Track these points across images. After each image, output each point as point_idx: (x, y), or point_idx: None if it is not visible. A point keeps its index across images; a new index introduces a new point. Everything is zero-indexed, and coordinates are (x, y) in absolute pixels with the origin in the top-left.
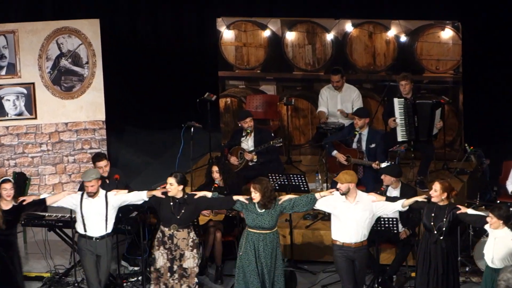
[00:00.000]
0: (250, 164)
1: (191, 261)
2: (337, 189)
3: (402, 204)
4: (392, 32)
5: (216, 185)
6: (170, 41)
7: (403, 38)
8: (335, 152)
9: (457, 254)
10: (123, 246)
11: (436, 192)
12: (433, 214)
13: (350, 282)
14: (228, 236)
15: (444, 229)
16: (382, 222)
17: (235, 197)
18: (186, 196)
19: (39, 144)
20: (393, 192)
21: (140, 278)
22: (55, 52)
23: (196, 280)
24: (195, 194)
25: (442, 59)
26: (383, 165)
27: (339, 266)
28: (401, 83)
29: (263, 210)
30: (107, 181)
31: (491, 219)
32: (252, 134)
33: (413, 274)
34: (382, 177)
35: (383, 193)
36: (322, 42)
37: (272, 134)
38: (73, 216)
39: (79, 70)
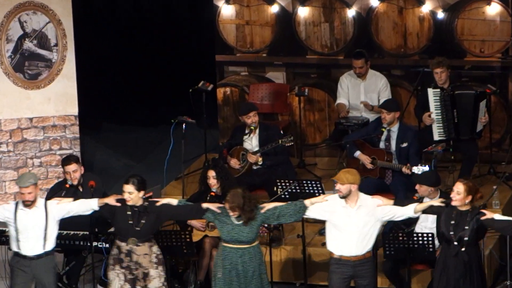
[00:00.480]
0: (255, 168)
1: (157, 281)
2: (336, 191)
3: (414, 210)
4: (427, 7)
5: (213, 193)
6: (156, 19)
7: (440, 15)
8: (358, 153)
9: (483, 269)
10: (99, 268)
11: (460, 195)
12: (453, 222)
13: None
14: None
15: (466, 238)
16: (415, 239)
17: (204, 205)
18: (146, 203)
19: None
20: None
21: None
22: (17, 32)
23: None
24: (157, 201)
25: (488, 40)
26: (416, 169)
27: (330, 283)
28: (435, 71)
29: (242, 220)
30: (80, 189)
31: None
32: (257, 131)
33: None
34: (417, 187)
35: (417, 202)
36: (342, 20)
37: (281, 132)
38: None
39: (46, 54)
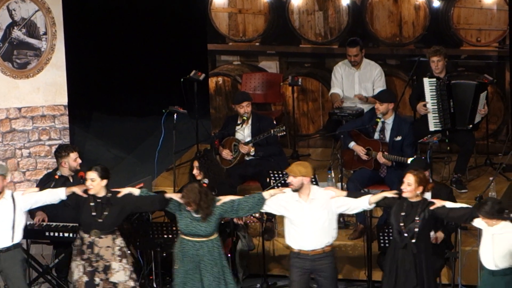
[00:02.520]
0: (247, 158)
1: (121, 274)
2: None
3: (368, 201)
4: None
5: (205, 184)
6: (147, 7)
7: (436, 3)
8: (352, 144)
9: (433, 261)
10: None
11: (410, 186)
12: (403, 213)
13: None
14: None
15: (416, 230)
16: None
17: (167, 195)
18: (109, 194)
19: None
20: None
21: None
22: (6, 21)
23: None
24: (119, 192)
25: (485, 29)
26: (410, 160)
27: (291, 277)
28: (432, 60)
29: (200, 214)
30: (71, 180)
31: (483, 219)
32: (250, 121)
33: None
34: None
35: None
36: (336, 8)
37: (274, 122)
38: (28, 223)
39: (35, 42)
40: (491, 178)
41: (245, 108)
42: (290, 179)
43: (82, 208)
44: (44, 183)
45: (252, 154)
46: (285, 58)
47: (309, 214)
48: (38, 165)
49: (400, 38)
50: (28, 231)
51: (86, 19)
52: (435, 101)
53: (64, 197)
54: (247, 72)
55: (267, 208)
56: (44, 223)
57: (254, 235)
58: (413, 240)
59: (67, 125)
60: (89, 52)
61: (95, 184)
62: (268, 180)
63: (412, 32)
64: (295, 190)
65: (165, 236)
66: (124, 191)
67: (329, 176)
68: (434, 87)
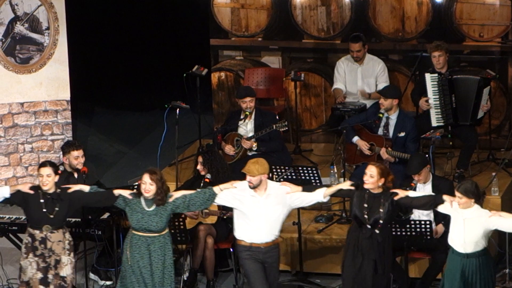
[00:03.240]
0: (249, 154)
1: (69, 267)
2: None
3: (323, 194)
4: None
5: (207, 179)
6: (150, 2)
7: None
8: (356, 139)
9: (392, 249)
10: (92, 256)
11: (373, 178)
12: (366, 205)
13: (263, 286)
14: (222, 242)
15: (381, 221)
16: (413, 226)
17: (116, 191)
18: (59, 190)
19: None
20: (423, 187)
21: None
22: (8, 16)
23: None
24: (69, 188)
25: (487, 24)
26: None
27: (247, 269)
28: (433, 55)
29: (152, 208)
30: (75, 175)
31: (461, 199)
32: (253, 116)
33: None
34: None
35: (413, 190)
36: (339, 3)
37: (277, 118)
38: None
39: (38, 37)
40: (493, 174)
41: (247, 103)
42: (249, 179)
43: (29, 205)
44: None
45: (255, 149)
46: (288, 53)
47: (264, 208)
48: (41, 160)
49: (403, 33)
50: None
51: (88, 14)
52: (437, 96)
53: (7, 195)
54: (249, 67)
55: (220, 200)
56: None
57: None
58: (377, 231)
59: (70, 120)
60: (92, 47)
61: (51, 179)
62: (271, 175)
63: (414, 27)
64: (254, 187)
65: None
66: (74, 187)
67: (332, 171)
68: (436, 83)
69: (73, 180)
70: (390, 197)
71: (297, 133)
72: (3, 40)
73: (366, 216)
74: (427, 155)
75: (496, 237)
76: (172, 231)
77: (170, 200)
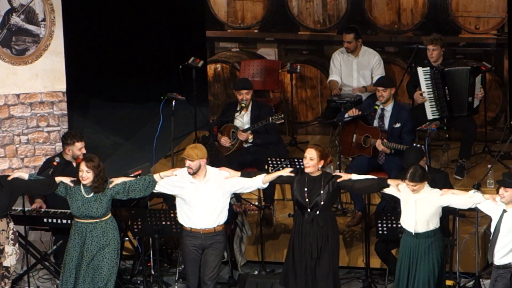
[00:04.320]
0: (245, 145)
1: (13, 258)
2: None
3: (262, 180)
4: None
5: None
6: None
7: None
8: (347, 115)
9: (338, 232)
10: None
11: (313, 161)
12: (306, 189)
13: (194, 276)
14: None
15: (322, 203)
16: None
17: (58, 179)
18: None
19: None
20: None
21: None
22: (4, 7)
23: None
24: (8, 176)
25: (483, 17)
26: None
27: (183, 256)
28: (428, 48)
29: (91, 195)
30: (74, 165)
31: (415, 186)
32: (249, 109)
33: (446, 282)
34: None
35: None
36: None
37: (274, 111)
38: (26, 209)
39: (34, 29)
40: (489, 166)
41: (244, 96)
42: (188, 163)
43: None
44: (43, 170)
45: (250, 141)
46: (284, 45)
47: (204, 194)
48: (37, 151)
49: (399, 26)
50: (26, 218)
51: (84, 6)
52: (431, 89)
53: None
54: (245, 59)
55: (160, 188)
56: (42, 210)
57: (252, 223)
58: (318, 212)
59: (66, 112)
60: (88, 38)
61: None
62: (266, 167)
63: (410, 20)
64: (194, 173)
65: (163, 223)
66: (13, 175)
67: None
68: (428, 76)
69: (70, 170)
70: (331, 179)
71: (293, 125)
72: None
73: (307, 200)
74: (422, 147)
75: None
76: (168, 223)
77: (110, 186)
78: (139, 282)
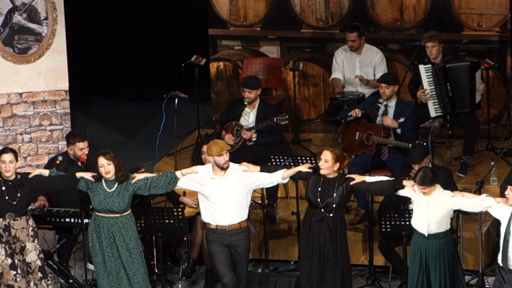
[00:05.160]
0: (248, 144)
1: (33, 254)
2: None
3: (282, 176)
4: None
5: None
6: None
7: None
8: (350, 114)
9: (346, 235)
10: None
11: (327, 163)
12: (319, 189)
13: (228, 271)
14: None
15: (334, 205)
16: (411, 216)
17: (78, 174)
18: (19, 176)
19: None
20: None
21: None
22: (6, 6)
23: (40, 275)
24: (29, 173)
25: (486, 14)
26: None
27: (212, 252)
28: (427, 45)
29: (113, 189)
30: (79, 164)
31: (424, 189)
32: (256, 107)
33: None
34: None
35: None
36: None
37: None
38: (29, 208)
39: (36, 27)
40: (492, 163)
41: (246, 94)
42: (225, 157)
43: None
44: (47, 169)
45: (254, 140)
46: (286, 43)
47: (225, 190)
48: (39, 150)
49: (401, 23)
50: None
51: (86, 4)
52: (433, 87)
53: None
54: (248, 57)
55: (182, 185)
56: (45, 208)
57: (255, 221)
58: (331, 215)
59: (68, 110)
60: (90, 37)
61: (13, 165)
62: (269, 165)
63: (413, 17)
64: (227, 167)
65: (167, 221)
66: (34, 172)
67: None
68: (430, 73)
69: (73, 169)
70: (345, 182)
71: (296, 123)
72: (1, 31)
73: (319, 200)
74: (425, 144)
75: (495, 227)
76: (171, 221)
77: (133, 181)
78: None
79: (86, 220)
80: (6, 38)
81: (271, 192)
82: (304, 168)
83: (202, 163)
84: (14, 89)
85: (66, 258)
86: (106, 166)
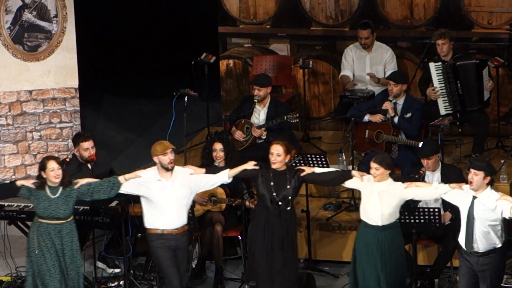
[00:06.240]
0: (258, 141)
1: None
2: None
3: (228, 175)
4: None
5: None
6: None
7: None
8: (368, 117)
9: (297, 225)
10: (100, 244)
11: (280, 157)
12: (272, 183)
13: (175, 277)
14: (231, 230)
15: (290, 197)
16: (422, 214)
17: (19, 182)
18: None
19: None
20: (432, 175)
21: (122, 282)
22: (16, 3)
23: None
24: None
25: (496, 11)
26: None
27: (160, 259)
28: (437, 43)
29: (57, 195)
30: (89, 166)
31: (377, 171)
32: (267, 105)
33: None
34: (422, 160)
35: (421, 177)
36: None
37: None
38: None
39: (46, 25)
40: (502, 161)
41: (257, 91)
42: (172, 156)
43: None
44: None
45: (264, 137)
46: (296, 41)
47: (171, 192)
48: (49, 148)
49: (411, 21)
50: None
51: (96, 2)
52: (443, 84)
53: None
54: (258, 55)
55: (126, 189)
56: None
57: None
58: (288, 208)
59: (78, 108)
60: (100, 34)
61: None
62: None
63: (423, 15)
64: (173, 168)
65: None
66: None
67: (340, 159)
68: (440, 71)
69: (85, 170)
70: (296, 173)
71: (306, 121)
72: (11, 28)
73: (274, 194)
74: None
75: (506, 224)
76: None
77: (76, 187)
78: (152, 278)
79: (95, 218)
80: (16, 36)
81: None
82: (249, 166)
83: (212, 160)
84: (24, 86)
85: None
86: (57, 170)
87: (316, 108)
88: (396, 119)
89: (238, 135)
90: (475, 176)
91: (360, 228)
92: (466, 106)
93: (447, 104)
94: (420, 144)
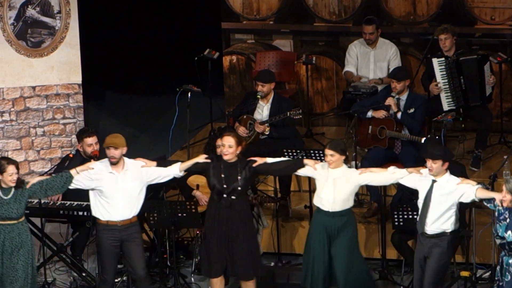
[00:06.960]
0: (261, 137)
1: None
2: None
3: (179, 168)
4: None
5: None
6: None
7: None
8: (371, 113)
9: (252, 215)
10: None
11: (232, 148)
12: (223, 175)
13: (111, 271)
14: None
15: (239, 189)
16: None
17: None
18: None
19: (0, 113)
20: None
21: (125, 277)
22: None
23: None
24: None
25: (499, 7)
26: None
27: (102, 252)
28: (440, 38)
29: (10, 195)
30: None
31: (333, 157)
32: (270, 101)
33: (462, 273)
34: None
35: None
36: None
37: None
38: (42, 201)
39: (49, 21)
40: (505, 157)
41: (260, 87)
42: (113, 152)
43: None
44: (63, 162)
45: (267, 133)
46: (299, 37)
47: (122, 185)
48: (53, 143)
49: (414, 17)
50: (43, 210)
51: None
52: (446, 80)
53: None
54: (261, 51)
55: (77, 183)
56: (58, 202)
57: (268, 215)
58: (235, 198)
59: (81, 104)
60: (103, 30)
61: None
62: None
63: (426, 11)
64: (117, 162)
65: (180, 214)
66: None
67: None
68: (443, 66)
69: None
70: (247, 164)
71: (309, 117)
72: (15, 24)
73: (225, 186)
74: (437, 138)
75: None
76: (185, 214)
77: (27, 186)
78: (155, 273)
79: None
80: (20, 32)
81: (284, 185)
82: (200, 159)
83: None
84: (27, 82)
85: (79, 252)
86: (14, 175)
87: (319, 104)
88: (399, 115)
89: (241, 131)
90: (434, 164)
91: (314, 213)
92: (469, 101)
93: (450, 99)
94: (423, 140)
